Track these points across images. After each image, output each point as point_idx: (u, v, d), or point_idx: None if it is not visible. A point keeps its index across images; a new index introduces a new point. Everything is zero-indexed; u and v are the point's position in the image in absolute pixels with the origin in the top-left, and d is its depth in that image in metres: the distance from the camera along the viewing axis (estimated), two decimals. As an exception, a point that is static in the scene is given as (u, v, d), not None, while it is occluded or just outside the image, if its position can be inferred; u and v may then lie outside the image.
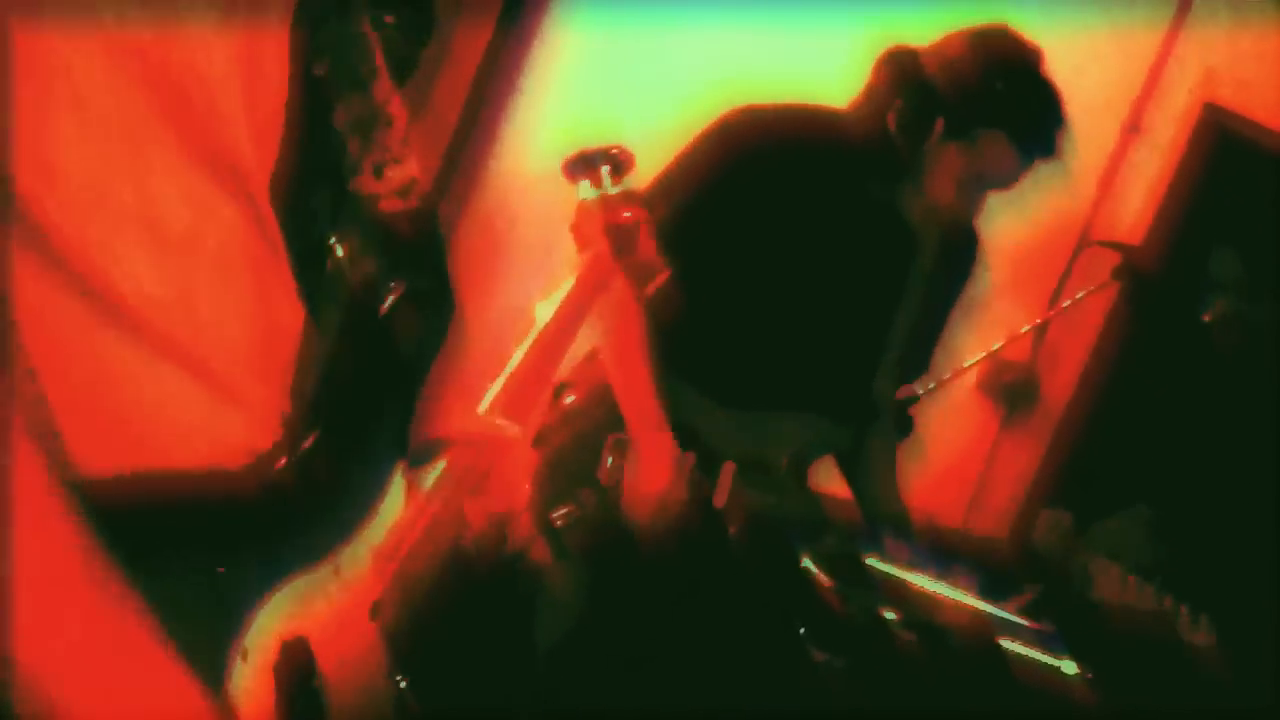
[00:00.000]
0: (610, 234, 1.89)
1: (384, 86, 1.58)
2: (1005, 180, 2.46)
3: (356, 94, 1.56)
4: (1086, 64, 3.62)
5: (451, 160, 3.84)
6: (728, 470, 2.31)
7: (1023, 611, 2.49)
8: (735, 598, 2.30)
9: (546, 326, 1.79)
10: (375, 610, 1.48)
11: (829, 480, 2.73)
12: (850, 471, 2.66)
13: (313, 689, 1.39)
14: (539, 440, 2.62)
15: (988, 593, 2.26)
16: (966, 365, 3.40)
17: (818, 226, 2.45)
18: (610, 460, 2.41)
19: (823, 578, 2.07)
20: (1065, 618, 2.39)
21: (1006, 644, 2.03)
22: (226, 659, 1.29)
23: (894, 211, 2.48)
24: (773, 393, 2.46)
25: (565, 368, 2.68)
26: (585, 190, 1.90)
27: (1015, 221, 3.75)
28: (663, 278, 2.52)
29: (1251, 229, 3.18)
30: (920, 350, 2.71)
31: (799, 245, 2.44)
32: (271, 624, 1.36)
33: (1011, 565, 2.82)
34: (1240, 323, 2.91)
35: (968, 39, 2.43)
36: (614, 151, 1.92)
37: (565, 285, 1.86)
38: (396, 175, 1.65)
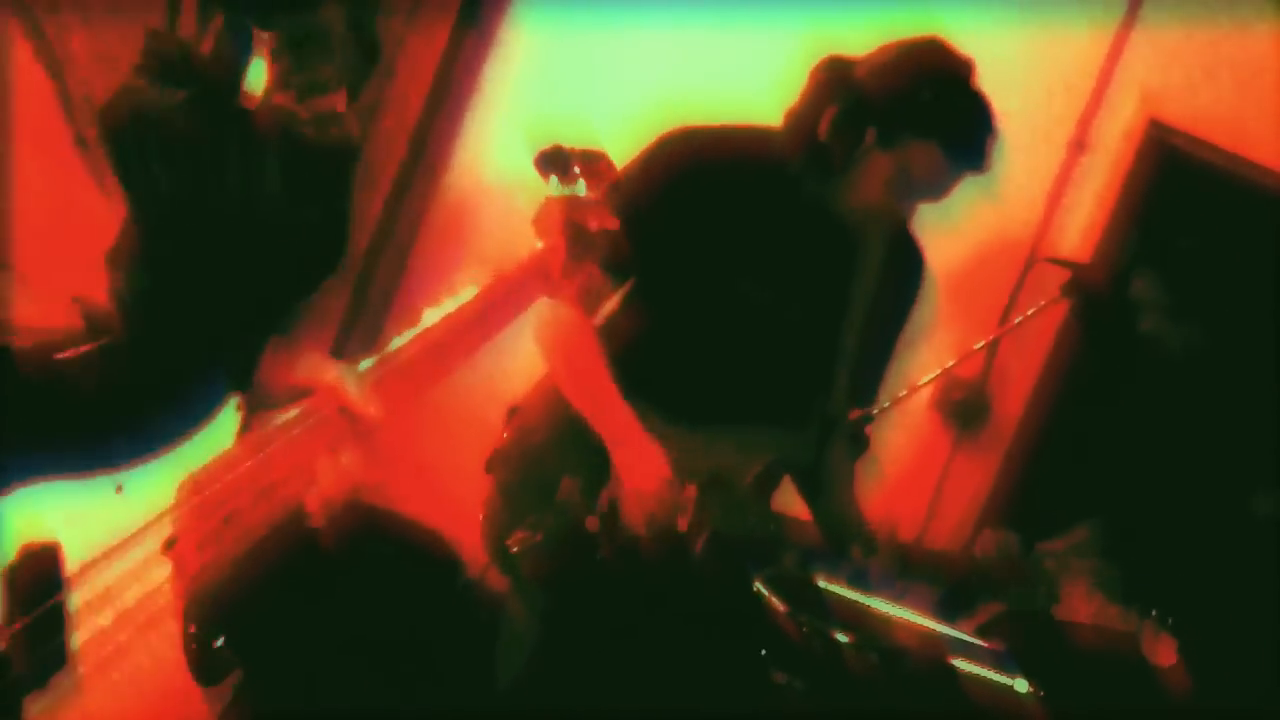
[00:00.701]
0: (569, 234, 1.84)
1: (334, 14, 1.57)
2: (935, 189, 2.49)
3: (301, 13, 1.54)
4: (1032, 82, 3.67)
5: (412, 161, 3.84)
6: (690, 493, 2.30)
7: (979, 630, 2.49)
8: (696, 619, 2.29)
9: (463, 308, 1.72)
10: (170, 544, 1.41)
11: (789, 499, 2.73)
12: (807, 488, 2.66)
13: (54, 605, 1.29)
14: (490, 465, 2.60)
15: (944, 608, 2.26)
16: (920, 383, 3.41)
17: (757, 241, 2.47)
18: (569, 484, 2.39)
19: (776, 602, 2.07)
20: (1020, 636, 2.40)
21: (959, 663, 2.02)
22: None
23: (831, 220, 2.50)
24: (727, 410, 2.46)
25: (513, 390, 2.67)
26: (554, 186, 1.87)
27: (965, 239, 3.79)
28: (610, 297, 2.52)
29: (1193, 246, 3.22)
30: (873, 366, 2.72)
31: (740, 260, 2.45)
32: (11, 522, 1.26)
33: (965, 582, 2.81)
34: (1164, 343, 2.96)
35: (899, 49, 2.47)
36: (591, 153, 1.90)
37: (478, 283, 1.79)
38: (321, 104, 1.63)
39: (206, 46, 1.54)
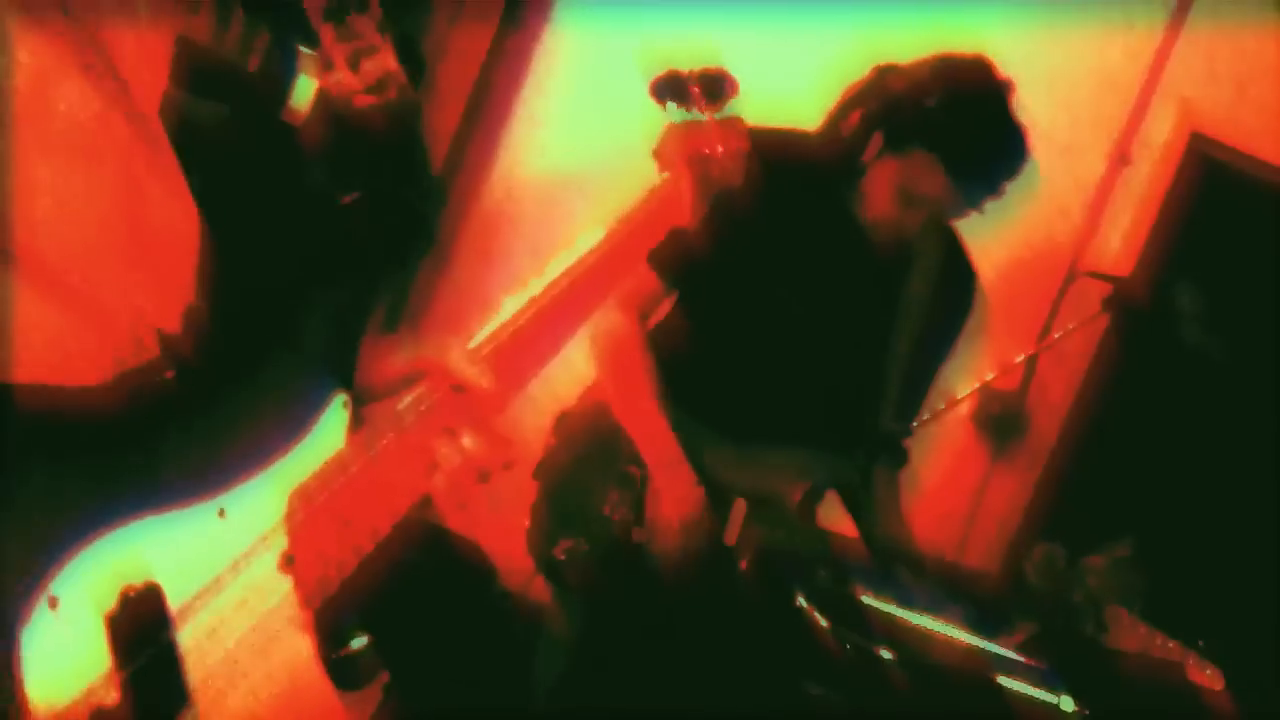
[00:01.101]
0: (694, 162, 1.71)
1: None
2: (938, 204, 2.40)
3: None
4: (1073, 93, 3.64)
5: (455, 159, 3.83)
6: (739, 507, 2.29)
7: (1020, 648, 2.47)
8: (742, 633, 2.27)
9: (580, 262, 1.57)
10: (289, 561, 1.32)
11: (835, 516, 2.71)
12: (855, 507, 2.64)
13: (163, 645, 1.21)
14: (538, 472, 2.60)
15: (983, 629, 2.23)
16: (959, 398, 3.39)
17: (809, 248, 2.44)
18: (617, 494, 2.38)
19: (817, 617, 2.05)
20: (1063, 654, 2.37)
21: (1003, 681, 2.00)
22: (16, 603, 1.10)
23: (876, 227, 2.47)
24: (775, 425, 2.45)
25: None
26: (672, 113, 1.72)
27: (1005, 252, 3.76)
28: (665, 304, 2.49)
29: (1235, 260, 3.19)
30: (920, 382, 2.70)
31: (791, 267, 2.43)
32: (109, 567, 1.18)
33: (1006, 599, 2.79)
34: (1208, 356, 2.93)
35: (938, 59, 2.42)
36: (711, 73, 1.75)
37: (595, 233, 1.63)
38: (372, 67, 1.57)
39: (254, 63, 1.51)
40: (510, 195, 3.81)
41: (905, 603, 2.10)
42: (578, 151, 3.60)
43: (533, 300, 1.52)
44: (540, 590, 2.70)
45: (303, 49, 1.49)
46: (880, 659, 1.99)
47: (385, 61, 1.55)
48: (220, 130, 1.45)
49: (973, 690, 2.01)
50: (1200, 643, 2.37)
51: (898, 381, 2.52)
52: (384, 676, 1.46)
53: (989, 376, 3.39)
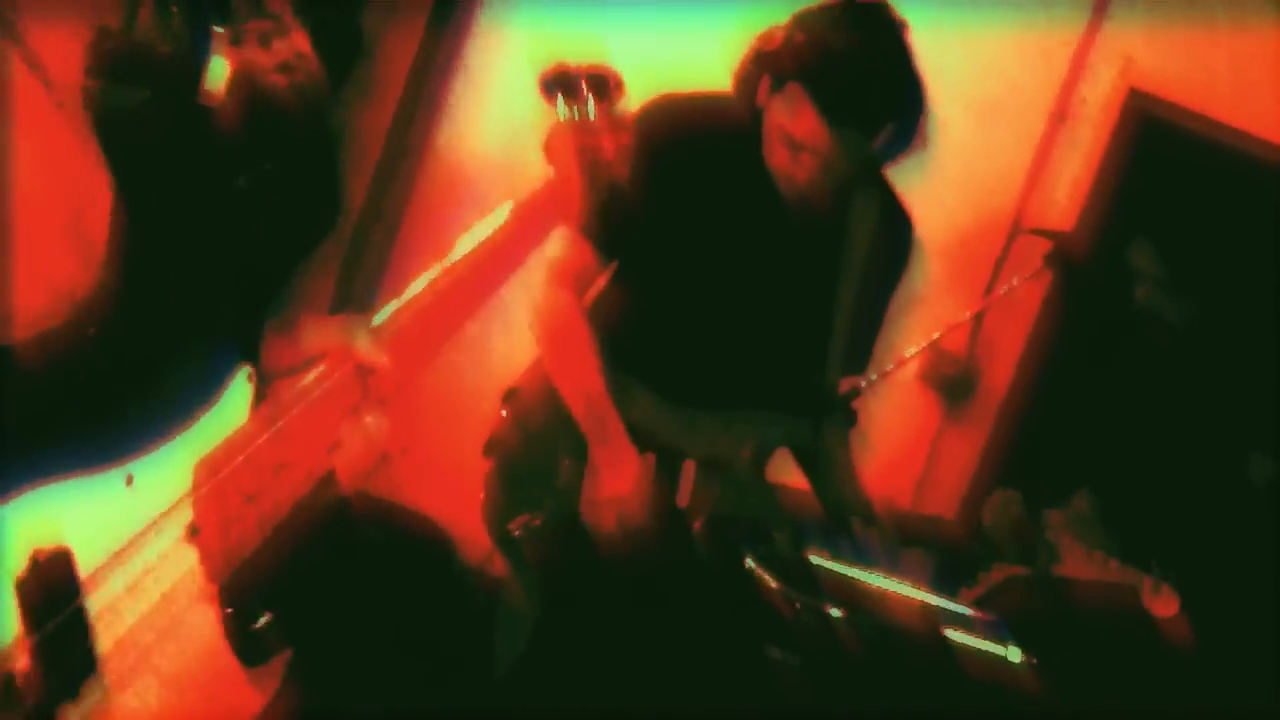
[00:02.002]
0: (583, 159, 1.75)
1: None
2: (816, 146, 2.25)
3: None
4: (1011, 53, 3.68)
5: (397, 137, 3.83)
6: (689, 469, 2.30)
7: (979, 600, 2.51)
8: (697, 597, 2.29)
9: (474, 250, 1.63)
10: (194, 532, 1.35)
11: (786, 472, 2.73)
12: (808, 464, 2.65)
13: (73, 611, 1.22)
14: (489, 448, 2.61)
15: (944, 578, 2.26)
16: (906, 357, 3.43)
17: (737, 208, 2.43)
18: (571, 466, 2.39)
19: (769, 579, 2.08)
20: (1021, 600, 2.42)
21: (952, 635, 2.04)
22: None
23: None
24: (720, 387, 2.46)
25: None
26: (562, 110, 1.76)
27: (949, 212, 3.80)
28: (600, 276, 2.50)
29: (1176, 214, 3.23)
30: (865, 336, 2.70)
31: (725, 229, 2.43)
32: (18, 529, 1.19)
33: (965, 544, 2.82)
34: (1159, 317, 2.96)
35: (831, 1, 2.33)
36: (600, 72, 1.79)
37: (499, 216, 1.70)
38: (283, 47, 1.58)
39: (167, 46, 1.52)
40: (458, 166, 3.81)
41: (857, 561, 2.13)
42: (513, 142, 3.61)
43: (433, 283, 1.56)
44: (499, 565, 2.71)
45: (217, 29, 1.49)
46: (830, 618, 2.02)
47: (296, 43, 1.55)
48: (139, 115, 1.46)
49: (922, 646, 2.05)
50: (1155, 566, 2.41)
51: (842, 336, 2.53)
52: (287, 653, 1.48)
53: (937, 335, 3.44)
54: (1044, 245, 3.38)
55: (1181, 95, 3.68)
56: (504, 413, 2.54)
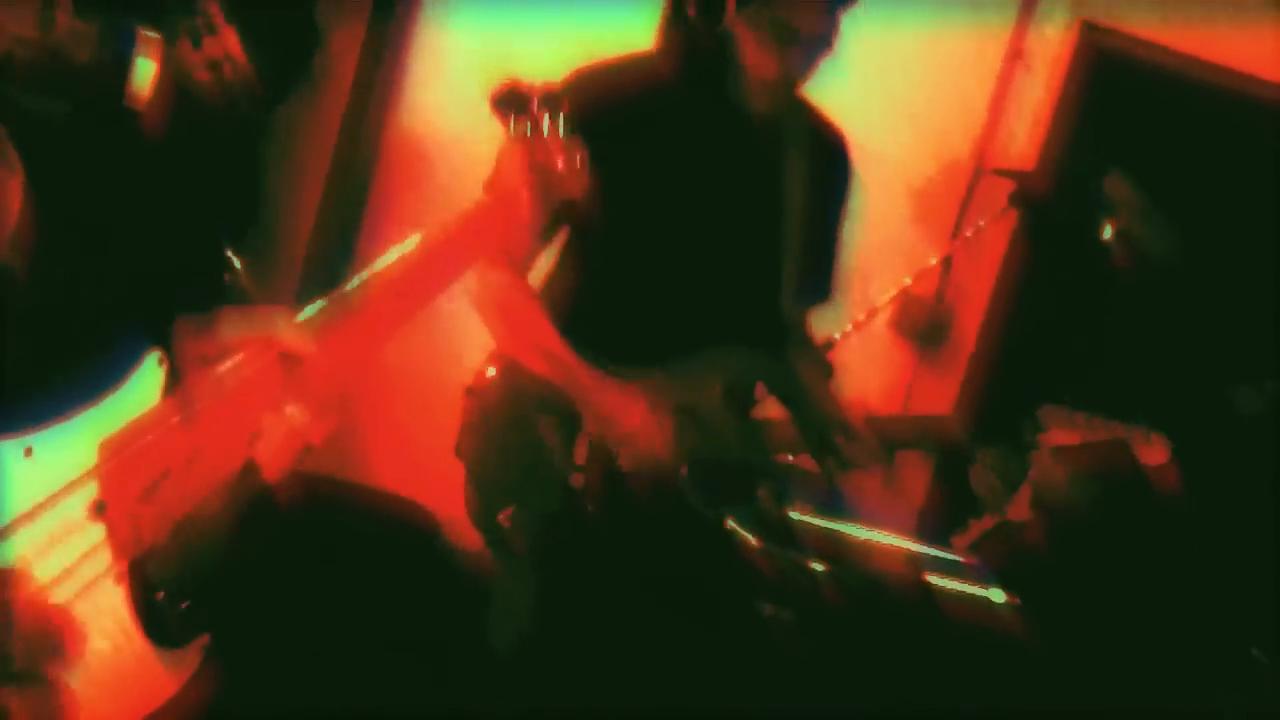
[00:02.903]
0: (536, 176, 1.74)
1: None
2: (812, 30, 2.35)
3: None
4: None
5: (353, 121, 3.82)
6: (665, 425, 2.30)
7: (971, 545, 2.52)
8: (685, 560, 2.30)
9: (414, 250, 1.62)
10: (100, 508, 1.37)
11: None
12: (784, 396, 2.64)
13: None
14: (459, 449, 2.60)
15: (936, 524, 2.25)
16: (878, 305, 3.43)
17: (680, 157, 2.43)
18: (547, 448, 2.39)
19: (749, 538, 2.08)
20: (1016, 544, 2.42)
21: (935, 580, 2.05)
22: None
23: (749, 123, 2.47)
24: (687, 337, 2.46)
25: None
26: (513, 128, 1.76)
27: (914, 158, 3.80)
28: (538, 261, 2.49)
29: (1137, 145, 3.23)
30: (821, 260, 2.69)
31: (663, 180, 2.43)
32: None
33: (964, 444, 2.80)
34: (1134, 242, 2.95)
35: None
36: (554, 90, 1.79)
37: (449, 221, 1.69)
38: (212, 47, 1.57)
39: (85, 52, 1.50)
40: (417, 149, 3.80)
41: (839, 512, 2.14)
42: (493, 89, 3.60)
43: (366, 281, 1.56)
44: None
45: (143, 31, 1.47)
46: (813, 572, 2.03)
47: (226, 43, 1.54)
48: (60, 125, 1.44)
49: (905, 593, 2.06)
50: (1140, 416, 2.42)
51: (794, 260, 2.53)
52: (204, 638, 1.50)
53: (906, 281, 3.44)
54: (1008, 185, 3.39)
55: (1135, 25, 3.69)
56: (466, 412, 2.54)
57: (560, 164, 1.79)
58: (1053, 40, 3.71)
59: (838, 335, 3.39)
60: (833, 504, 3.28)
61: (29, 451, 1.34)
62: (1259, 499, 2.62)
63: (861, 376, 3.70)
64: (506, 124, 1.76)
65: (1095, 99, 3.68)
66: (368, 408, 3.63)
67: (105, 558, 1.39)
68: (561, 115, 1.78)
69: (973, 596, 2.05)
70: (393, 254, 1.61)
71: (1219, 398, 2.77)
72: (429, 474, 2.85)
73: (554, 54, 2.64)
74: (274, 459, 1.48)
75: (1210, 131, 3.47)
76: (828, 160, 2.58)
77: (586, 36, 2.71)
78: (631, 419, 2.28)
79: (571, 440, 2.34)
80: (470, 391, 2.52)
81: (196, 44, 1.49)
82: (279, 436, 1.47)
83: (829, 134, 2.59)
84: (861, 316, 3.41)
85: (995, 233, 3.62)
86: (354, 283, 1.56)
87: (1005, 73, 3.72)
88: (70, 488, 1.36)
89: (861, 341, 3.56)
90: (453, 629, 2.79)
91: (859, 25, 3.57)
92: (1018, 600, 2.02)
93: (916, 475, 3.84)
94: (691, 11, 2.36)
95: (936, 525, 3.75)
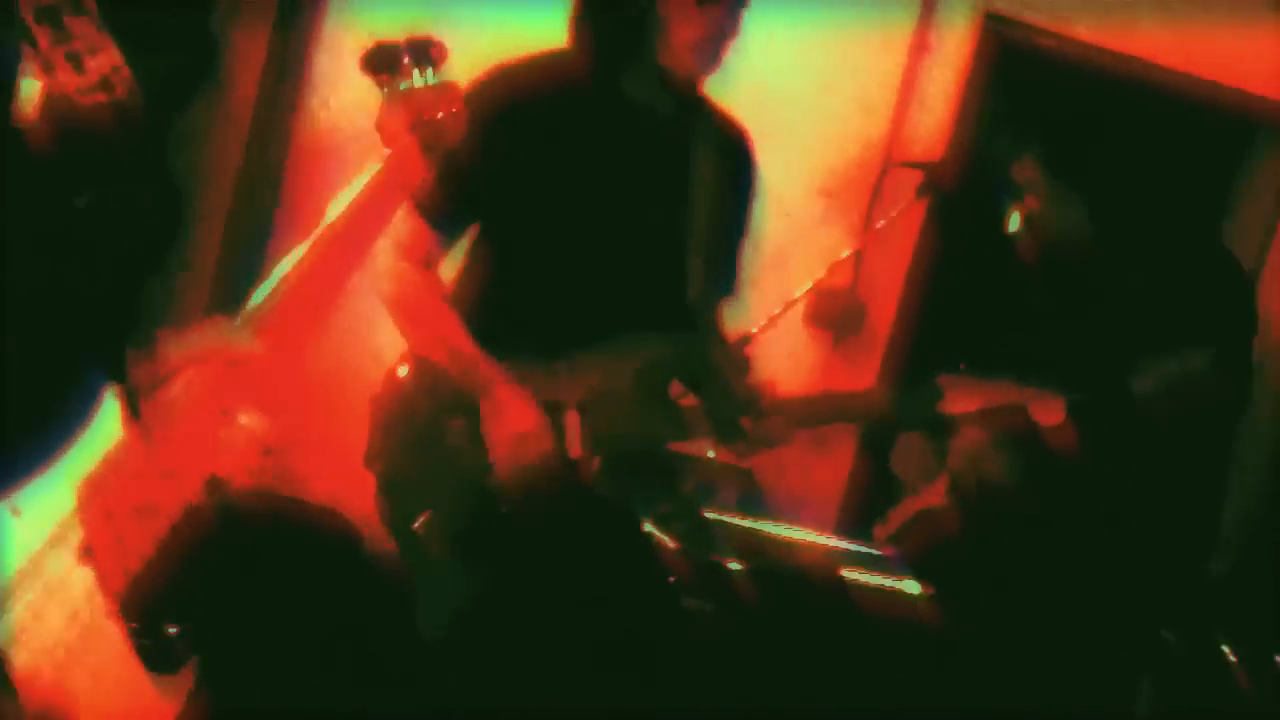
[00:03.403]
0: (418, 130, 1.73)
1: None
2: (701, 25, 2.36)
3: None
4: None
5: (261, 121, 3.77)
6: (572, 419, 2.30)
7: (892, 535, 2.54)
8: (603, 553, 2.30)
9: (325, 231, 1.63)
10: (87, 552, 1.38)
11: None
12: (691, 380, 2.66)
13: None
14: (368, 461, 2.58)
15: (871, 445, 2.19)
16: (794, 298, 3.46)
17: (593, 153, 2.45)
18: (457, 449, 2.37)
19: (666, 540, 2.09)
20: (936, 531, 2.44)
21: (850, 575, 2.08)
22: None
23: (657, 117, 2.49)
24: (593, 328, 2.46)
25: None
26: (388, 85, 1.73)
27: (823, 153, 3.84)
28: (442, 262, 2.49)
29: (1043, 132, 3.28)
30: (727, 251, 2.72)
31: (570, 175, 2.43)
32: None
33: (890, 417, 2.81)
34: (1041, 226, 2.99)
35: None
36: (420, 41, 1.77)
37: (355, 188, 1.70)
38: (96, 65, 1.55)
39: None
40: (329, 144, 3.77)
41: (753, 511, 2.16)
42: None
43: (289, 271, 1.57)
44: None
45: (26, 47, 1.45)
46: (730, 572, 2.05)
47: (110, 59, 1.51)
48: None
49: (821, 589, 2.08)
50: (1034, 378, 2.46)
51: (700, 249, 2.55)
52: (193, 662, 1.50)
53: (821, 273, 3.48)
54: (916, 176, 3.43)
55: (1037, 16, 3.76)
56: (373, 422, 2.52)
57: (439, 112, 1.77)
58: (957, 32, 3.76)
59: (755, 329, 3.42)
60: (752, 498, 3.31)
61: (17, 511, 1.33)
62: (1160, 480, 2.68)
63: (779, 368, 3.73)
64: (380, 83, 1.74)
65: (1000, 89, 3.74)
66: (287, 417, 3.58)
67: (98, 599, 1.39)
68: (431, 61, 1.77)
69: (888, 589, 2.07)
70: (307, 241, 1.61)
71: (1120, 376, 2.83)
72: (352, 483, 2.83)
73: (463, 52, 2.63)
74: (237, 469, 1.48)
75: (1113, 117, 3.54)
76: (732, 159, 2.60)
77: (496, 34, 2.70)
78: (520, 424, 2.28)
79: (483, 440, 2.34)
80: (377, 398, 2.50)
81: (79, 67, 1.46)
82: (238, 446, 1.47)
83: (734, 133, 2.62)
84: (778, 309, 3.44)
85: (905, 223, 3.67)
86: (277, 275, 1.56)
87: (911, 65, 3.77)
88: (57, 540, 1.36)
89: (778, 334, 3.59)
90: (380, 635, 2.77)
91: (767, 20, 3.65)
92: (932, 590, 2.05)
93: (842, 454, 3.90)
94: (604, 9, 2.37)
95: (862, 504, 3.80)
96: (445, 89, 1.78)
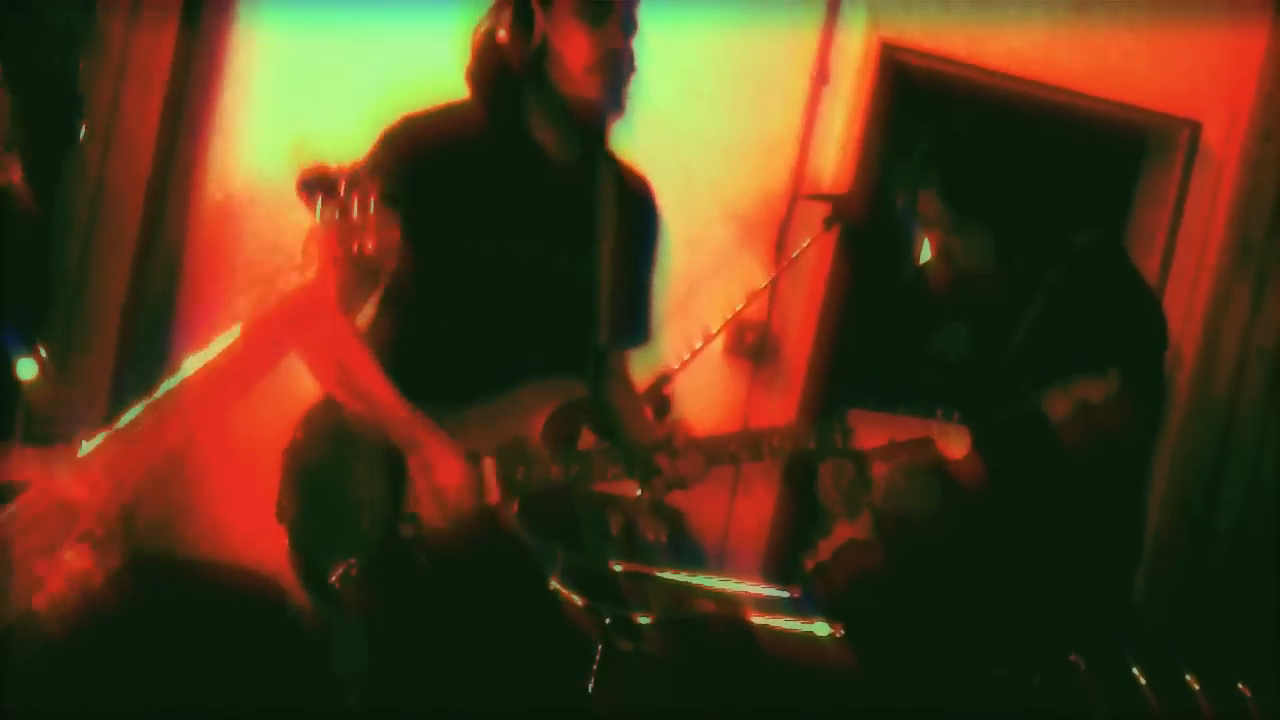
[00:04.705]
0: (347, 261, 1.74)
1: None
2: (592, 46, 2.40)
3: None
4: (759, 21, 3.76)
5: (163, 165, 3.73)
6: (489, 466, 2.31)
7: (820, 565, 2.55)
8: (523, 597, 2.30)
9: (218, 355, 1.63)
10: None
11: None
12: (602, 425, 2.68)
13: None
14: (279, 513, 2.57)
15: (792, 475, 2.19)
16: (713, 332, 3.50)
17: (500, 200, 2.47)
18: (368, 500, 2.37)
19: (574, 597, 2.10)
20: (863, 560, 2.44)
21: (760, 620, 2.09)
22: None
23: (561, 166, 2.52)
24: (502, 375, 2.47)
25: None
26: (322, 211, 1.74)
27: (733, 188, 3.88)
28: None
29: (942, 161, 3.32)
30: (634, 297, 2.74)
31: (477, 223, 2.45)
32: None
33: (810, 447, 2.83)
34: (948, 255, 3.04)
35: None
36: (359, 170, 1.78)
37: (228, 336, 1.70)
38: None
39: None
40: (229, 195, 3.75)
41: (663, 562, 2.17)
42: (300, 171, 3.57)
43: (155, 403, 1.56)
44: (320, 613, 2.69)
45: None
46: (638, 626, 2.06)
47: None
48: None
49: (730, 637, 2.10)
50: (939, 411, 2.49)
51: (606, 294, 2.57)
52: None
53: (738, 307, 3.51)
54: (822, 208, 3.47)
55: (933, 42, 3.82)
56: (282, 477, 2.51)
57: (370, 245, 1.77)
58: (854, 61, 3.80)
59: (675, 365, 3.45)
60: (681, 537, 3.32)
61: None
62: (1076, 503, 2.72)
63: (701, 401, 3.77)
64: (313, 208, 1.75)
65: (900, 117, 3.79)
66: (201, 479, 3.57)
67: None
68: (371, 194, 1.77)
69: (797, 632, 2.09)
70: (198, 358, 1.61)
71: (1032, 401, 2.86)
72: (271, 540, 2.81)
73: (362, 108, 2.65)
74: (51, 603, 1.48)
75: (1013, 140, 3.59)
76: (634, 207, 2.62)
77: (394, 93, 2.70)
78: (447, 475, 2.28)
79: (399, 489, 2.34)
80: (287, 451, 2.49)
81: None
82: (58, 584, 1.47)
83: (634, 183, 2.64)
84: (698, 343, 3.47)
85: (816, 253, 3.71)
86: (153, 397, 1.55)
87: (813, 95, 3.81)
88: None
89: (699, 368, 3.62)
90: (306, 692, 2.76)
91: (667, 53, 3.69)
92: (841, 632, 2.07)
93: (766, 488, 3.92)
94: (502, 38, 2.39)
95: (788, 537, 3.83)
96: (383, 219, 1.78)
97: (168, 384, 1.57)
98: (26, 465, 1.47)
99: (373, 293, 2.09)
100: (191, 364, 1.59)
